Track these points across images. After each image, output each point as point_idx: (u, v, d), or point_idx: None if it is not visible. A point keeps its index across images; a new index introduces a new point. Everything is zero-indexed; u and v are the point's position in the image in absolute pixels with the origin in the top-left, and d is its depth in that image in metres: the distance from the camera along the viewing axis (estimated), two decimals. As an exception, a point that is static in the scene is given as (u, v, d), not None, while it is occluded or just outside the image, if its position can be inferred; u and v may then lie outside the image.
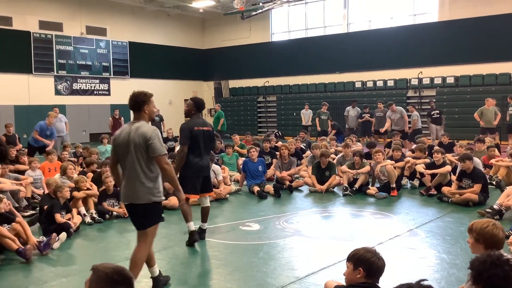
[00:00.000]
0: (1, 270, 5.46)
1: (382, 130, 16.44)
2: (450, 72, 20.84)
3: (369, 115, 17.52)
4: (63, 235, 6.46)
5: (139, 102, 4.52)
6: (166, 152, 4.52)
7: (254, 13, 22.90)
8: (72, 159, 11.84)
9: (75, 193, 7.61)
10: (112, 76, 25.23)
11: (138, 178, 4.33)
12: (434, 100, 17.56)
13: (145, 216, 4.44)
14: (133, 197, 4.38)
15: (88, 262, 5.76)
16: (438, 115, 16.19)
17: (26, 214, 7.95)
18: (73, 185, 7.98)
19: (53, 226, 6.63)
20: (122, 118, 17.87)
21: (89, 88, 24.40)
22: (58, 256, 6.05)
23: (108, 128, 17.91)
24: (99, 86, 24.81)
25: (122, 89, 25.21)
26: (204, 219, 6.55)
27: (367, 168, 9.81)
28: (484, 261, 2.77)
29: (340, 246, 6.07)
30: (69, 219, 7.00)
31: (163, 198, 4.67)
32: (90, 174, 9.42)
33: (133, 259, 4.45)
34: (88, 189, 7.99)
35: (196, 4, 24.79)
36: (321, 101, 20.25)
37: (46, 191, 7.87)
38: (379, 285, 3.22)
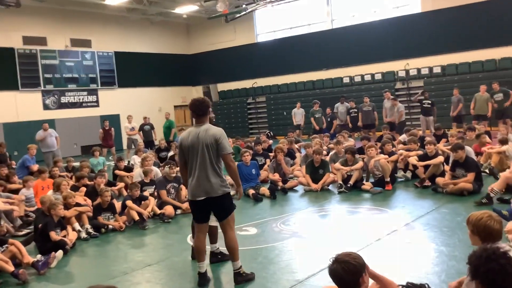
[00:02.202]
0: (-2, 293, 5.40)
1: (386, 120, 16.29)
2: (437, 61, 20.91)
3: (356, 110, 17.54)
4: (60, 253, 6.41)
5: (205, 106, 5.09)
6: (232, 151, 5.03)
7: (238, 15, 22.92)
8: (64, 173, 11.77)
9: (65, 212, 7.38)
10: (99, 87, 25.10)
11: (212, 174, 4.90)
12: (423, 91, 17.59)
13: (223, 205, 5.03)
14: (210, 191, 4.91)
15: (86, 279, 5.75)
16: (430, 105, 16.17)
17: (21, 233, 7.88)
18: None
19: (49, 244, 6.58)
20: (112, 128, 17.79)
21: (78, 100, 24.25)
22: (55, 274, 6.00)
23: (99, 140, 17.79)
24: (88, 98, 24.67)
25: (111, 100, 25.14)
26: (211, 239, 5.89)
27: (360, 164, 9.81)
28: (480, 255, 2.77)
29: (339, 246, 6.05)
30: (64, 236, 6.94)
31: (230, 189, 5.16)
32: (83, 188, 9.37)
33: (229, 246, 5.06)
34: (78, 204, 7.91)
35: (179, 10, 24.72)
36: (311, 99, 20.28)
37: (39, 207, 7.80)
38: None
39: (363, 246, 5.90)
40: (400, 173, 10.28)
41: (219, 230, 5.46)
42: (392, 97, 16.87)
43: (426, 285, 4.02)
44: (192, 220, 5.98)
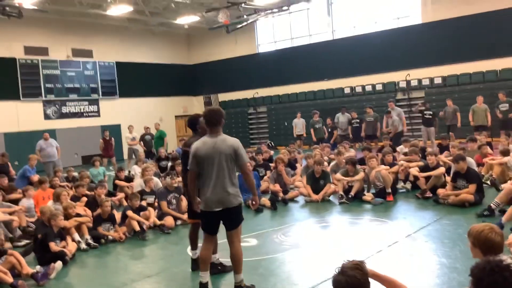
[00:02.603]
0: (-3, 304, 5.36)
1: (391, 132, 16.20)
2: (437, 72, 20.94)
3: (358, 120, 17.52)
4: (59, 264, 6.37)
5: (220, 116, 5.10)
6: (249, 161, 5.04)
7: (239, 25, 23.00)
8: (65, 183, 11.75)
9: (65, 223, 7.36)
10: (101, 97, 25.15)
11: (228, 184, 4.92)
12: (424, 102, 17.58)
13: (238, 216, 5.07)
14: (226, 202, 4.92)
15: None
16: (431, 116, 16.14)
17: (20, 244, 7.85)
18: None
19: (48, 255, 6.55)
20: (112, 138, 17.78)
21: (79, 110, 24.30)
22: (55, 285, 5.96)
23: (100, 150, 17.77)
24: (89, 108, 24.72)
25: (112, 110, 25.18)
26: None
27: (361, 175, 9.78)
28: (483, 268, 2.74)
29: (340, 257, 5.98)
30: (64, 247, 6.91)
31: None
32: (84, 199, 9.34)
33: (234, 258, 5.03)
34: (78, 214, 7.89)
35: (180, 20, 24.82)
36: (312, 109, 20.29)
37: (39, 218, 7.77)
38: None
39: (364, 257, 5.85)
40: (400, 184, 10.25)
41: (221, 241, 5.44)
42: (392, 107, 16.72)
43: None
44: (190, 231, 5.96)
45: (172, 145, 22.38)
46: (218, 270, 5.74)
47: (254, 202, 5.28)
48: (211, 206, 4.94)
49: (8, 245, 7.27)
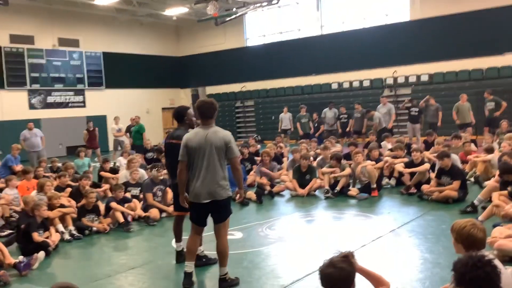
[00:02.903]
0: (-22, 294, 5.30)
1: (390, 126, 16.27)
2: (424, 70, 21.09)
3: (346, 116, 17.59)
4: (42, 254, 6.32)
5: (213, 109, 5.07)
6: (240, 155, 5.00)
7: (228, 18, 22.85)
8: (49, 174, 11.64)
9: (49, 213, 7.31)
10: (87, 87, 24.90)
11: (218, 176, 4.88)
12: (411, 99, 17.68)
13: (226, 209, 5.02)
14: (215, 194, 4.88)
15: (69, 281, 5.66)
16: (417, 113, 16.23)
17: (3, 234, 7.77)
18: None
19: (31, 245, 6.49)
20: (96, 129, 17.63)
21: (64, 100, 24.03)
22: (37, 276, 5.91)
23: (84, 142, 17.57)
24: (74, 98, 24.46)
25: (98, 101, 24.95)
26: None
27: (347, 171, 9.83)
28: (465, 263, 2.78)
29: (324, 251, 6.04)
30: (47, 237, 6.85)
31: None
32: (69, 189, 9.27)
33: (220, 251, 5.01)
34: (62, 205, 7.82)
35: (169, 12, 24.65)
36: (299, 104, 20.31)
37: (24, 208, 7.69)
38: None
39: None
40: (384, 181, 10.32)
41: (206, 234, 5.43)
42: (384, 103, 16.67)
43: None
44: (174, 223, 5.95)
45: (159, 138, 22.28)
46: (202, 262, 5.74)
47: (238, 196, 5.26)
48: (200, 198, 4.92)
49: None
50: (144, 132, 16.78)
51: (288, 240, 6.85)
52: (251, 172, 11.34)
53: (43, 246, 6.55)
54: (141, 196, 9.12)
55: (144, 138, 16.26)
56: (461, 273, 2.79)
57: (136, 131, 16.88)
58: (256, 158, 12.37)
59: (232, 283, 5.06)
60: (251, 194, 9.73)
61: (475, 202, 7.54)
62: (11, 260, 5.93)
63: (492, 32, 19.20)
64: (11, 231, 7.82)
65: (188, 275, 5.11)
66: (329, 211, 8.69)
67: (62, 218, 7.60)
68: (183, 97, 29.31)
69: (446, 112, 16.01)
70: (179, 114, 5.91)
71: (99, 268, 6.11)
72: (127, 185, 9.39)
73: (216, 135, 4.93)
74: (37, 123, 17.80)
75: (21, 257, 6.09)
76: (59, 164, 12.70)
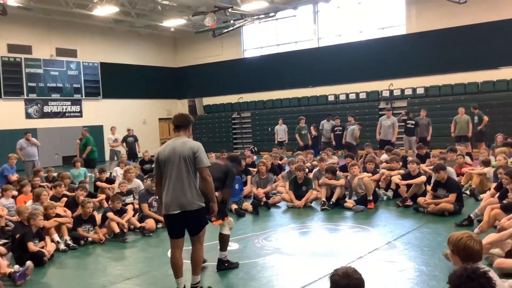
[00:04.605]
0: (-28, 304, 5.26)
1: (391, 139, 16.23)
2: (420, 83, 21.23)
3: (341, 128, 17.62)
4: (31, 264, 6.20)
5: (185, 119, 5.17)
6: (210, 165, 4.99)
7: (226, 30, 23.02)
8: (44, 184, 11.60)
9: (45, 223, 7.28)
10: (84, 97, 24.94)
11: (188, 187, 4.87)
12: (407, 111, 17.75)
13: (198, 221, 5.01)
14: (185, 205, 4.87)
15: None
16: (413, 126, 16.31)
17: (-4, 242, 7.71)
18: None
19: (26, 255, 6.45)
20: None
21: (61, 110, 24.05)
22: (31, 286, 5.87)
23: (76, 152, 17.42)
24: (71, 108, 24.49)
25: (95, 111, 24.98)
26: (221, 246, 6.05)
27: (341, 181, 9.84)
28: (460, 275, 2.80)
29: (320, 262, 6.05)
30: (42, 247, 6.82)
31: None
32: (64, 199, 9.24)
33: (193, 260, 5.05)
34: (58, 215, 7.79)
35: (167, 23, 24.78)
36: (296, 116, 20.37)
37: (18, 219, 7.66)
38: None
39: (344, 263, 5.89)
40: (381, 191, 10.32)
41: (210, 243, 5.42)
42: (389, 116, 16.67)
43: None
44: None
45: (155, 148, 22.22)
46: (225, 267, 5.90)
47: (212, 210, 5.15)
48: (169, 208, 4.92)
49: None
50: (90, 145, 16.17)
51: (285, 252, 6.84)
52: (248, 183, 11.33)
53: (38, 255, 6.52)
54: (136, 205, 9.10)
55: (86, 151, 15.84)
56: (456, 285, 2.80)
57: (83, 144, 16.29)
58: (252, 169, 12.36)
59: (231, 265, 5.08)
60: (247, 205, 9.72)
61: (472, 216, 7.56)
62: (6, 269, 5.90)
63: (488, 46, 19.39)
64: (5, 241, 7.76)
65: None
66: (325, 223, 8.68)
67: (58, 228, 7.57)
68: (180, 107, 29.34)
69: (441, 125, 16.11)
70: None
71: (94, 278, 6.08)
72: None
73: (185, 145, 4.93)
74: (33, 132, 17.76)
75: (16, 267, 6.05)
76: (55, 174, 12.66)
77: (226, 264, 5.91)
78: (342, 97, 23.38)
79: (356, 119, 17.78)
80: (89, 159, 15.81)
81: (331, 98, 23.69)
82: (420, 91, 21.25)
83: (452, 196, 8.36)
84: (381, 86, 22.12)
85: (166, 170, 4.94)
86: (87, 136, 16.41)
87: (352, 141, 16.68)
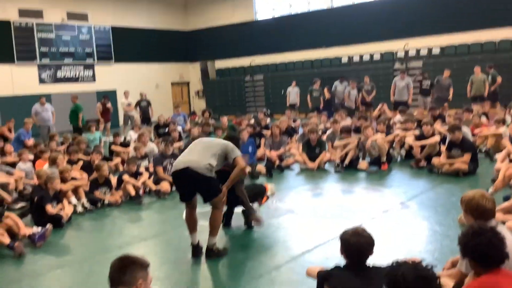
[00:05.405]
0: (-6, 264, 5.42)
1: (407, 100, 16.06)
2: (436, 42, 20.78)
3: (357, 89, 17.42)
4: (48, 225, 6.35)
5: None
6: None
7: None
8: (61, 148, 11.73)
9: (62, 186, 7.41)
10: (96, 62, 24.90)
11: (201, 155, 5.13)
12: (422, 72, 17.47)
13: (208, 188, 5.11)
14: (192, 162, 5.04)
15: (81, 252, 5.78)
16: (428, 87, 16.10)
17: (17, 206, 7.89)
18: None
19: (45, 218, 6.59)
20: (110, 103, 17.72)
21: (74, 75, 24.08)
22: (51, 247, 6.01)
23: (97, 115, 17.68)
24: (84, 72, 24.48)
25: (107, 75, 24.96)
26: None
27: (354, 141, 9.79)
28: (467, 233, 2.83)
29: (334, 223, 6.09)
30: (60, 210, 6.96)
31: None
32: (80, 162, 9.35)
33: (211, 223, 5.17)
34: (74, 178, 7.91)
35: (177, -16, 24.41)
36: (309, 78, 20.17)
37: (36, 182, 7.80)
38: (367, 262, 3.18)
39: (357, 224, 5.92)
40: (395, 152, 10.27)
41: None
42: (403, 78, 16.38)
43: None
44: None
45: (169, 112, 22.24)
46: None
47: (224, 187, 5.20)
48: (176, 165, 5.10)
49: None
50: (80, 112, 16.27)
51: (298, 213, 6.90)
52: (261, 146, 11.34)
53: (56, 218, 6.66)
54: (151, 169, 9.19)
55: (79, 119, 16.07)
56: (464, 243, 2.82)
57: (72, 111, 16.37)
58: (265, 132, 12.36)
59: (219, 253, 5.16)
60: (261, 167, 9.77)
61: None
62: (26, 231, 6.03)
63: (506, 3, 18.83)
64: (24, 204, 7.93)
65: (195, 247, 5.23)
66: (338, 184, 8.71)
67: (75, 191, 7.70)
68: (192, 71, 29.23)
69: (457, 85, 15.84)
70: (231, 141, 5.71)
71: (111, 239, 6.22)
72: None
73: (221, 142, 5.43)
74: (47, 98, 17.87)
75: (35, 228, 6.18)
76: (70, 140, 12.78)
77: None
78: (356, 59, 23.02)
79: (371, 79, 17.53)
80: (77, 126, 15.95)
81: (344, 59, 23.34)
82: (436, 51, 20.82)
83: (467, 156, 8.30)
84: (396, 46, 21.70)
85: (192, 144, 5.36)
86: (76, 103, 16.51)
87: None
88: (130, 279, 2.59)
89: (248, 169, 9.53)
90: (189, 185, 5.08)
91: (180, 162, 5.09)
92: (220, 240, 5.68)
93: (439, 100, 15.33)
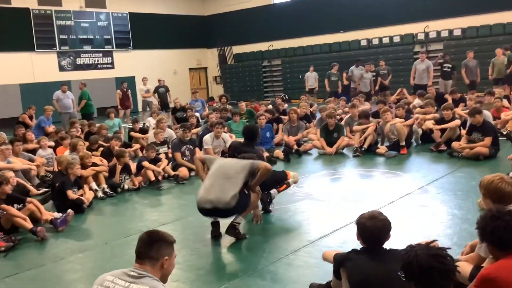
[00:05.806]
0: (17, 248, 5.54)
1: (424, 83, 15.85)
2: (457, 24, 20.39)
3: (374, 73, 17.25)
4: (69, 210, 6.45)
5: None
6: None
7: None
8: (81, 134, 11.88)
9: (82, 172, 7.53)
10: (114, 48, 25.04)
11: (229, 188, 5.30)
12: (443, 54, 17.17)
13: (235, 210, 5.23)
14: (219, 203, 5.18)
15: (102, 237, 5.87)
16: (449, 69, 15.86)
17: (38, 192, 8.03)
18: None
19: (66, 203, 6.71)
20: (129, 90, 17.88)
21: (93, 62, 24.27)
22: (72, 232, 6.12)
23: (116, 102, 17.85)
24: (103, 59, 24.66)
25: (126, 62, 25.09)
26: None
27: (373, 126, 9.71)
28: (485, 216, 2.80)
29: (351, 208, 6.08)
30: (81, 195, 7.07)
31: None
32: (100, 149, 9.48)
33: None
34: (94, 164, 8.02)
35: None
36: (327, 62, 20.00)
37: (57, 169, 7.93)
38: (385, 246, 3.18)
39: (376, 208, 5.90)
40: (415, 136, 10.17)
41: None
42: (423, 59, 16.12)
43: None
44: None
45: (186, 98, 22.30)
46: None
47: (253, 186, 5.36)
48: (204, 203, 5.17)
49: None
50: (85, 98, 16.38)
51: (316, 198, 6.90)
52: (279, 131, 11.33)
53: (78, 203, 6.77)
54: (170, 154, 9.26)
55: (81, 105, 16.20)
56: (482, 227, 2.80)
57: (79, 98, 16.53)
58: (283, 117, 12.33)
59: (238, 234, 5.20)
60: (278, 152, 9.77)
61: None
62: (47, 216, 6.15)
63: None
64: (45, 190, 8.08)
65: (215, 224, 5.33)
66: (356, 169, 8.68)
67: (95, 177, 7.81)
68: (210, 57, 29.21)
69: (480, 68, 15.59)
70: (252, 133, 6.07)
71: (132, 223, 6.30)
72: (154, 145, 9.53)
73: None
74: (67, 85, 18.06)
75: (57, 214, 6.30)
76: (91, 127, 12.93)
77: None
78: (375, 42, 22.72)
79: (389, 63, 17.33)
80: (85, 113, 16.11)
81: (363, 43, 23.05)
82: (457, 32, 20.43)
83: (488, 140, 8.18)
84: (416, 28, 21.35)
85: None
86: (83, 90, 16.69)
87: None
88: (157, 254, 2.62)
89: (266, 154, 9.58)
90: (221, 217, 5.27)
91: (206, 201, 5.12)
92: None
93: (473, 85, 15.14)
